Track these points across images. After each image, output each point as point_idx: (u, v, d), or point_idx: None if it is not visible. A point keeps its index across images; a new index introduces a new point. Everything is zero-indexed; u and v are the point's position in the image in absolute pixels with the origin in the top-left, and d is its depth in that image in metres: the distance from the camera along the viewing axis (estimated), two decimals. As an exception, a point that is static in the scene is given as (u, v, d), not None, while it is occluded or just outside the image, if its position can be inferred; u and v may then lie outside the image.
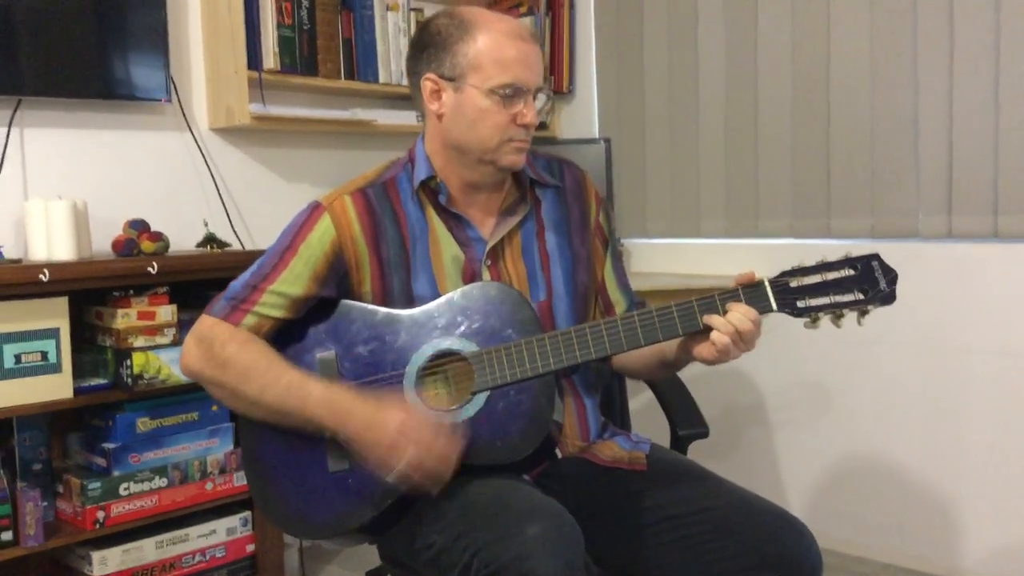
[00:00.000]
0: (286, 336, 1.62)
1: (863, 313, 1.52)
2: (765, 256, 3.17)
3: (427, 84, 1.61)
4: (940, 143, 2.79)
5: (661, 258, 3.43)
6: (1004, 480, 2.73)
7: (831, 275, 1.52)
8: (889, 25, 2.87)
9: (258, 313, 1.59)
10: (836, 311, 1.52)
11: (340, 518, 1.57)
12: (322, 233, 1.60)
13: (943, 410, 2.83)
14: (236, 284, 1.63)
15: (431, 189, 1.65)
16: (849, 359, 2.98)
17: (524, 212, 1.68)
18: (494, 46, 1.56)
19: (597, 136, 3.55)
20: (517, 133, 1.59)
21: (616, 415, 2.01)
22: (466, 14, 1.60)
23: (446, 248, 1.63)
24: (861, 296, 1.51)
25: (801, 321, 1.53)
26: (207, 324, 1.61)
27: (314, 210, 1.63)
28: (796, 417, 3.16)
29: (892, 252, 2.84)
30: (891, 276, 1.52)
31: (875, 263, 1.52)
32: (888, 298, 1.51)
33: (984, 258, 2.73)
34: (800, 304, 1.52)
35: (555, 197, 1.72)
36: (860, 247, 2.90)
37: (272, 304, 1.59)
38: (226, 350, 1.57)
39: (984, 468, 2.77)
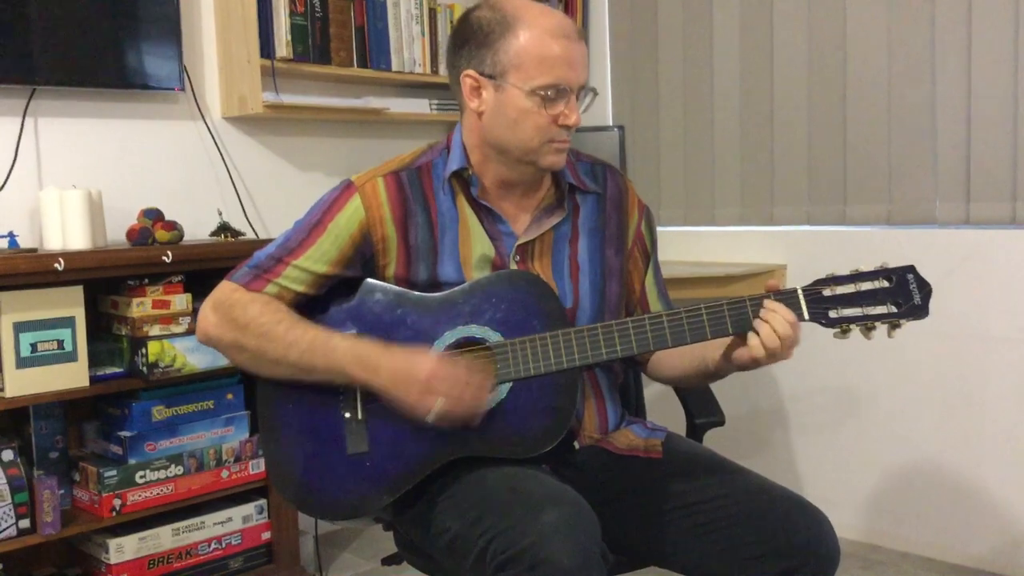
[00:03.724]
0: (307, 313, 1.60)
1: (894, 327, 1.50)
2: (781, 244, 3.16)
3: (467, 81, 1.57)
4: (957, 129, 2.77)
5: (676, 246, 3.41)
6: (1023, 467, 2.71)
7: (864, 285, 1.50)
8: (906, 10, 2.84)
9: (279, 284, 1.58)
10: (867, 323, 1.49)
11: (356, 501, 1.57)
12: (351, 213, 1.58)
13: (961, 397, 2.81)
14: (261, 254, 1.61)
15: (463, 180, 1.62)
16: (865, 347, 2.95)
17: (561, 216, 1.65)
18: (537, 44, 1.51)
19: (611, 124, 3.54)
20: (559, 134, 1.55)
21: (631, 403, 2.00)
22: (509, 7, 1.55)
23: (476, 239, 1.61)
24: (894, 309, 1.49)
25: (830, 331, 1.51)
26: (226, 290, 1.60)
27: (346, 189, 1.61)
28: (813, 404, 3.15)
29: (909, 239, 2.87)
30: (926, 290, 1.49)
31: (910, 275, 1.50)
32: (921, 312, 1.49)
33: (1002, 244, 2.71)
34: (832, 314, 1.50)
35: (595, 204, 1.69)
36: (877, 234, 2.92)
37: (294, 278, 1.58)
38: (247, 312, 1.56)
39: (1002, 456, 2.75)
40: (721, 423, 1.94)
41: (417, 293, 1.58)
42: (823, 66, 3.03)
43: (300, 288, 1.58)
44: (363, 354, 1.51)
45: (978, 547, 2.81)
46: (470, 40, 1.56)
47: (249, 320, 1.55)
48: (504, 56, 1.52)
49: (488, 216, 1.62)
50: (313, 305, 1.61)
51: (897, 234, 2.91)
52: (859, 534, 3.03)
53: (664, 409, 2.18)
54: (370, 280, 1.60)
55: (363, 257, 1.60)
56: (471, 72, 1.56)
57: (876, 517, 3.01)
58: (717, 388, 2.01)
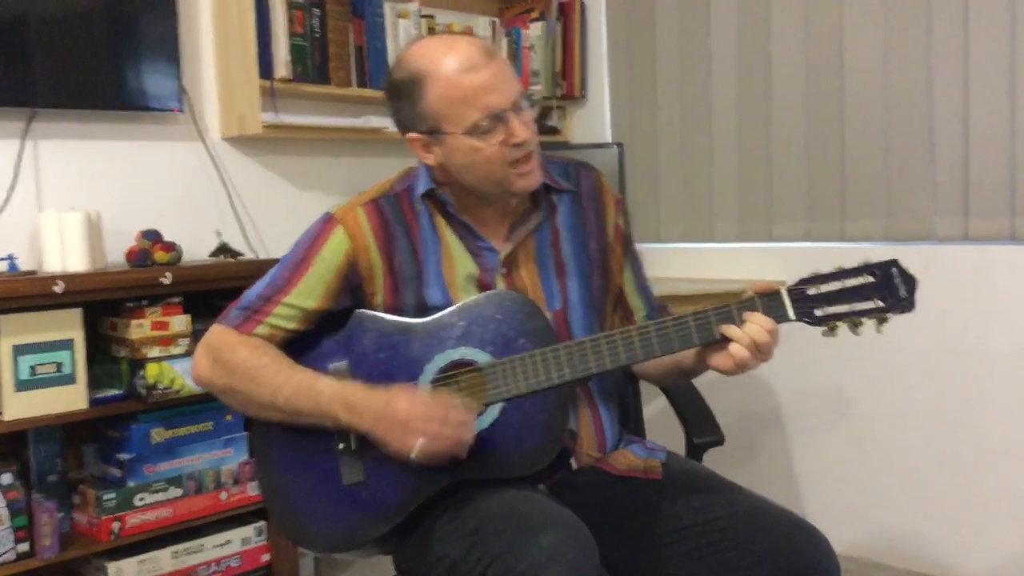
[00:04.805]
0: (299, 345, 1.61)
1: (882, 321, 1.49)
2: (779, 260, 3.16)
3: (414, 144, 1.60)
4: (955, 144, 2.77)
5: (675, 263, 3.41)
6: (1023, 484, 2.71)
7: (849, 282, 1.50)
8: (903, 26, 2.85)
9: (270, 324, 1.59)
10: (855, 319, 1.49)
11: (353, 531, 1.56)
12: (336, 246, 1.60)
13: (961, 414, 2.81)
14: (249, 295, 1.63)
15: (436, 199, 1.64)
16: (865, 364, 2.96)
17: (538, 220, 1.66)
18: (449, 89, 1.52)
19: (610, 141, 3.54)
20: (514, 153, 1.55)
21: (631, 422, 2.00)
22: (415, 61, 1.56)
23: (459, 260, 1.62)
24: (880, 304, 1.48)
25: (818, 329, 1.51)
26: (216, 333, 1.61)
27: (327, 222, 1.62)
28: (812, 423, 3.14)
29: (908, 255, 2.81)
30: (911, 283, 1.49)
31: (894, 269, 1.50)
32: (908, 305, 1.49)
33: (1001, 260, 2.71)
34: (818, 312, 1.50)
35: (571, 202, 1.70)
36: (876, 250, 2.91)
37: (285, 316, 1.59)
38: (236, 355, 1.57)
39: (1003, 472, 2.74)
40: (720, 443, 1.94)
41: (406, 320, 1.59)
42: (820, 82, 3.04)
43: (291, 325, 1.60)
44: (348, 397, 1.52)
45: (979, 564, 2.80)
46: (400, 105, 1.59)
47: (238, 363, 1.57)
48: (429, 111, 1.54)
49: (467, 234, 1.63)
50: (305, 338, 1.62)
51: (896, 250, 2.89)
52: (859, 552, 3.01)
53: (663, 429, 2.18)
54: (359, 310, 1.62)
55: (351, 288, 1.61)
56: (412, 135, 1.59)
57: (876, 535, 3.00)
58: (715, 403, 2.01)
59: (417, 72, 1.55)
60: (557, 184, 1.68)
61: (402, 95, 1.58)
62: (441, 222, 1.63)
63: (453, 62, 1.52)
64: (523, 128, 1.54)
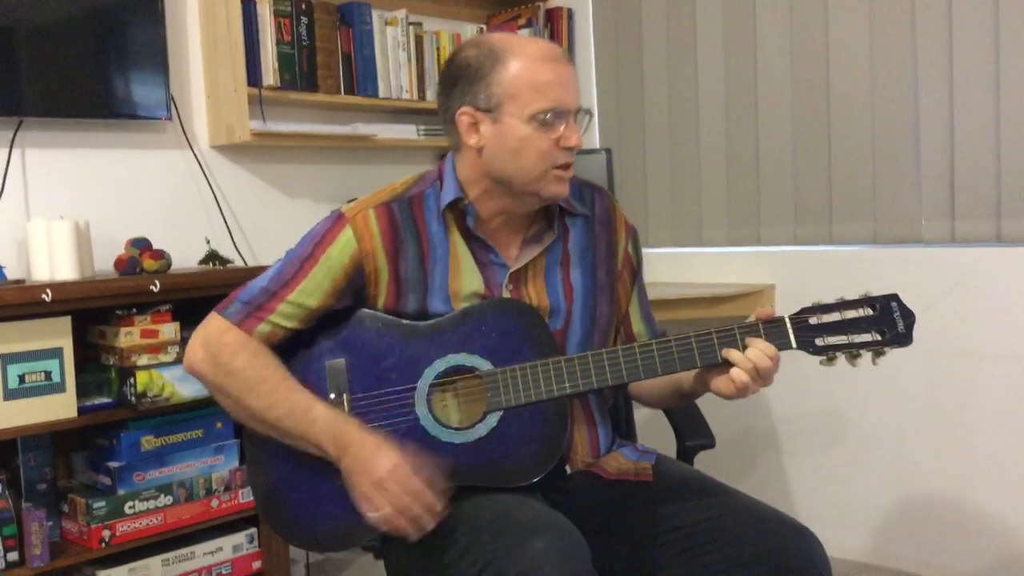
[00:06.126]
0: (298, 341, 1.59)
1: (879, 354, 1.53)
2: (768, 264, 3.17)
3: (463, 119, 1.56)
4: (941, 147, 2.79)
5: (664, 268, 3.42)
6: (1015, 485, 2.72)
7: (850, 314, 1.53)
8: (888, 30, 2.87)
9: (272, 322, 1.57)
10: (853, 351, 1.53)
11: (346, 531, 1.56)
12: (343, 245, 1.57)
13: (950, 415, 2.82)
14: (253, 287, 1.59)
15: (459, 210, 1.61)
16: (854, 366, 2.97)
17: (550, 240, 1.65)
18: (529, 71, 1.52)
19: (598, 147, 3.55)
20: (562, 157, 1.55)
21: (622, 425, 2.01)
22: (495, 41, 1.56)
23: (466, 273, 1.60)
24: (879, 337, 1.52)
25: (816, 358, 1.54)
26: (218, 329, 1.58)
27: (336, 221, 1.60)
28: (801, 424, 3.15)
29: (895, 258, 2.88)
30: (909, 318, 1.53)
31: (894, 304, 1.53)
32: (905, 340, 1.52)
33: (988, 262, 2.73)
34: (819, 342, 1.53)
35: (584, 226, 1.69)
36: (863, 253, 2.93)
37: (288, 314, 1.57)
38: (235, 360, 1.55)
39: (994, 473, 2.75)
40: (711, 445, 1.95)
41: (408, 321, 1.58)
42: (806, 86, 3.06)
43: (292, 324, 1.57)
44: (339, 433, 1.50)
45: (970, 564, 2.81)
46: (460, 79, 1.56)
47: (235, 369, 1.55)
48: (498, 88, 1.52)
49: (480, 247, 1.62)
50: (304, 333, 1.60)
51: (883, 253, 2.93)
52: (851, 553, 3.02)
53: (654, 432, 2.18)
54: (362, 309, 1.60)
55: (355, 288, 1.59)
56: (466, 109, 1.56)
57: (868, 536, 3.01)
58: (707, 410, 2.01)
59: (498, 48, 1.54)
60: (572, 207, 1.67)
61: (469, 69, 1.55)
62: (455, 234, 1.61)
63: (538, 50, 1.54)
64: (578, 136, 1.55)
